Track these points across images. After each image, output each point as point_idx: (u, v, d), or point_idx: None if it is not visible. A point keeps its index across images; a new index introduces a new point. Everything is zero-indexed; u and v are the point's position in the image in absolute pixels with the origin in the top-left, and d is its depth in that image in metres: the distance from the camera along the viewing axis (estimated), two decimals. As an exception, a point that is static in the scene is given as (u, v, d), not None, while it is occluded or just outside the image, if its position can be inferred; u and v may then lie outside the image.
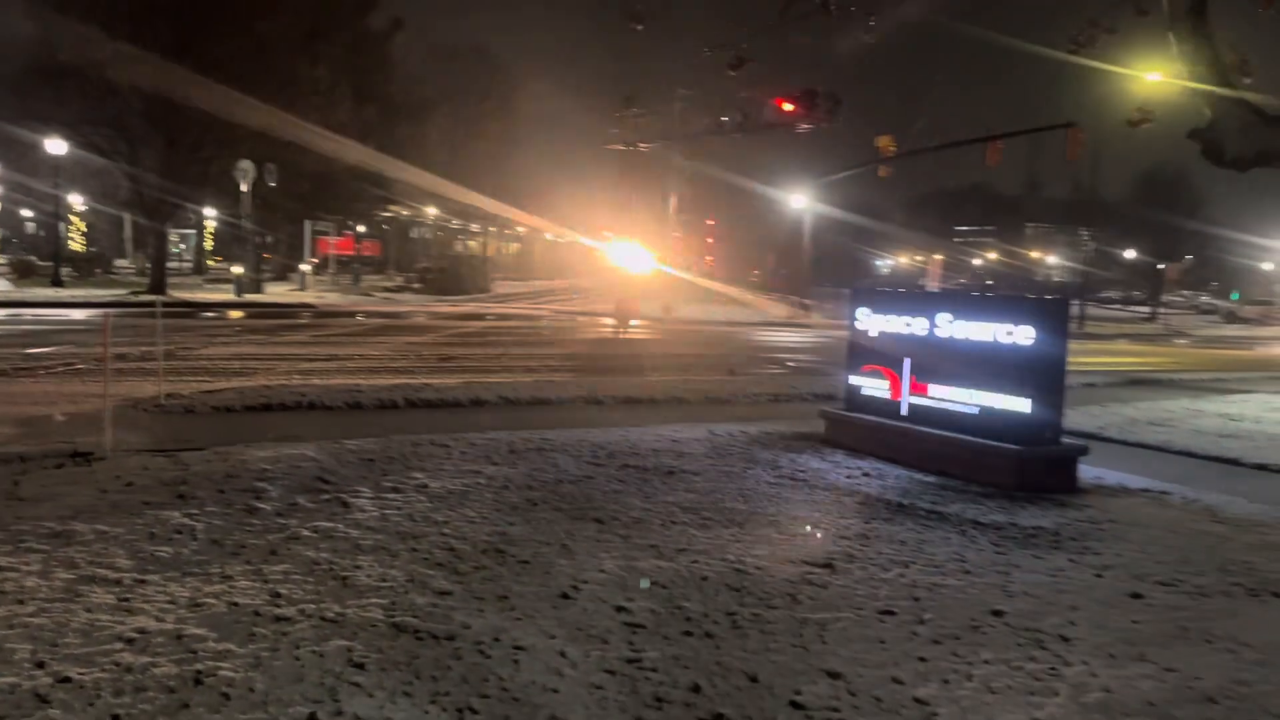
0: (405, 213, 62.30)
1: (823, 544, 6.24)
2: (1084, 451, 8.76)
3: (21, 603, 4.59)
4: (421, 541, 5.86)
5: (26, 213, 71.97)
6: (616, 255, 41.52)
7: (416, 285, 47.93)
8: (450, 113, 58.90)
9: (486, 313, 33.62)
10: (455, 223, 70.89)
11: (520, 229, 76.60)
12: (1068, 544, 6.52)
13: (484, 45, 68.01)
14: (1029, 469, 8.23)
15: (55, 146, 34.07)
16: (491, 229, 74.18)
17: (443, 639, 4.42)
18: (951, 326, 8.93)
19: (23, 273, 40.48)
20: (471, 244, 76.33)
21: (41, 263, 43.54)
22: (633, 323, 28.06)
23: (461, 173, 52.20)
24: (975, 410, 8.74)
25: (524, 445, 9.03)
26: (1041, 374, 8.32)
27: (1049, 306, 8.93)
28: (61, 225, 48.49)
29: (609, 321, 30.55)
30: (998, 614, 5.06)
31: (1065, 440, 8.87)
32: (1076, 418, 11.86)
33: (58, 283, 35.77)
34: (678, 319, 35.48)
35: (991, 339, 8.56)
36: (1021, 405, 8.36)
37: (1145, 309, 64.12)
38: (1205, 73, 7.73)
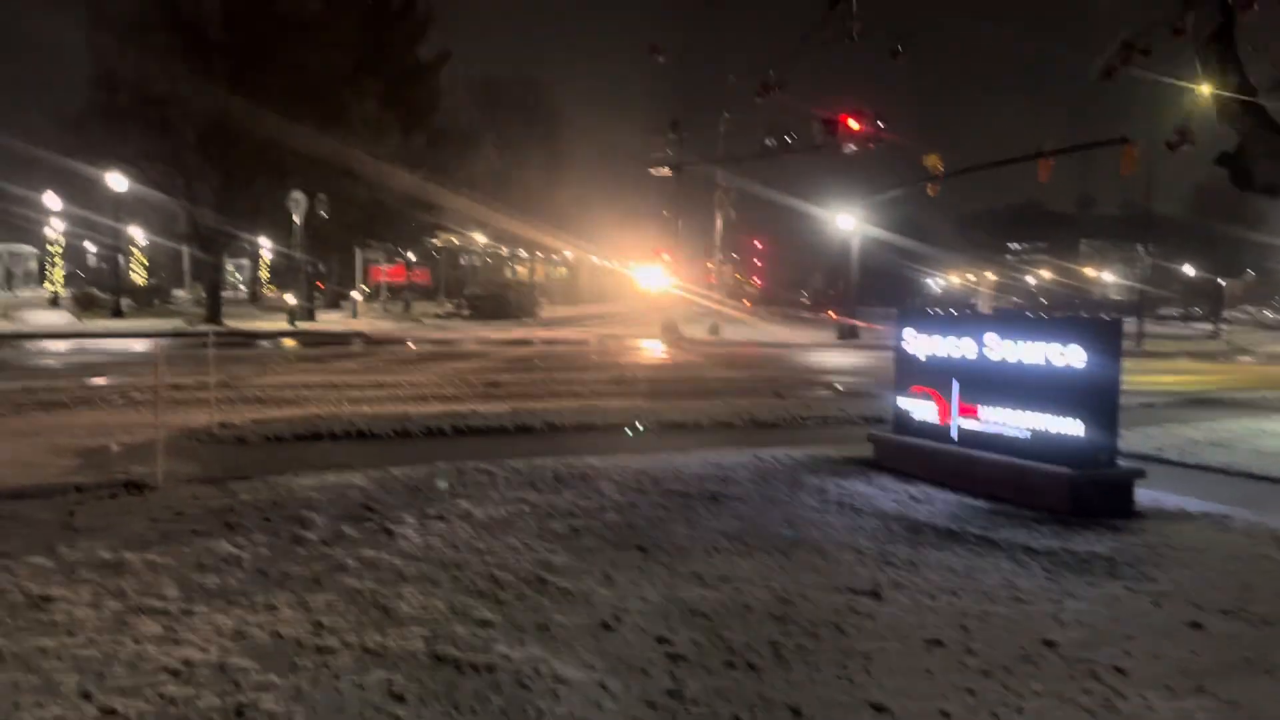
0: (454, 240, 63.06)
1: (869, 571, 6.13)
2: (1140, 474, 8.53)
3: (71, 634, 4.67)
4: (464, 570, 5.87)
5: (90, 247, 74.08)
6: (662, 279, 41.59)
7: (465, 312, 48.40)
8: (497, 141, 59.64)
9: (534, 338, 33.81)
10: (503, 249, 71.58)
11: (567, 254, 77.15)
12: (1123, 571, 6.34)
13: (530, 74, 68.75)
14: (1083, 493, 8.04)
15: (116, 182, 35.05)
16: (539, 254, 74.78)
17: (483, 670, 4.40)
18: (1000, 347, 8.78)
19: (85, 305, 41.61)
20: (519, 270, 76.98)
21: (103, 294, 44.71)
22: (684, 345, 28.06)
23: (509, 199, 52.77)
24: (1026, 433, 8.57)
25: (568, 472, 9.03)
26: (1094, 395, 8.13)
27: (1100, 326, 8.74)
28: (122, 258, 49.79)
29: (657, 345, 30.57)
30: (1050, 644, 4.93)
31: (1121, 463, 8.65)
32: (1134, 439, 11.58)
33: (118, 314, 36.69)
34: (724, 340, 35.39)
35: (1042, 360, 8.40)
36: (1074, 427, 8.17)
37: (1207, 325, 62.63)
38: (1232, 98, 7.53)
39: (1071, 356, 8.16)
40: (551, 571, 5.90)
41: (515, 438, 11.60)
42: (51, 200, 45.19)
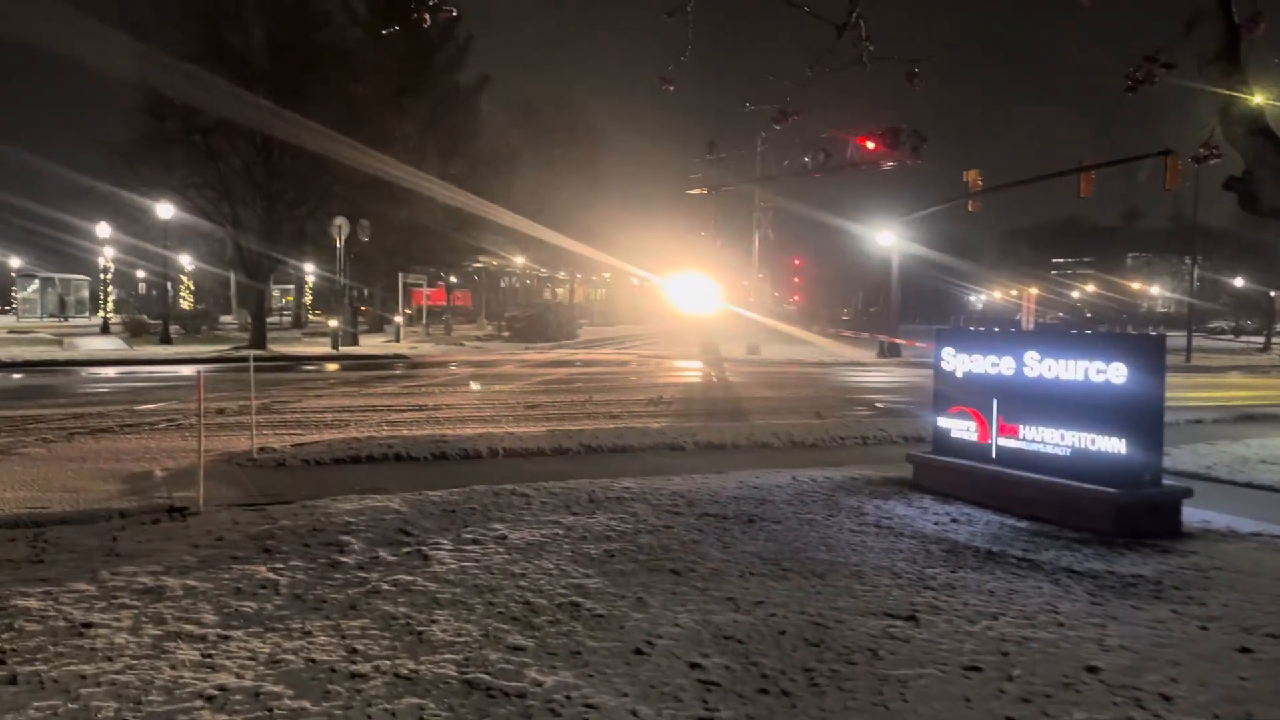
0: (495, 262, 63.54)
1: (907, 595, 6.04)
2: (1188, 494, 8.34)
3: (110, 660, 4.73)
4: (498, 595, 5.87)
5: (139, 274, 75.72)
6: (701, 298, 41.56)
7: (505, 333, 48.67)
8: (536, 163, 60.08)
9: (573, 359, 33.90)
10: (543, 271, 72.02)
11: (606, 275, 77.40)
12: (1170, 594, 6.19)
13: (568, 96, 69.21)
14: (1127, 513, 7.88)
15: (164, 210, 35.75)
16: (578, 276, 75.11)
17: (514, 696, 4.39)
18: (1040, 366, 8.66)
19: (134, 331, 42.42)
20: (559, 291, 77.37)
21: (152, 321, 45.57)
22: (725, 365, 27.98)
23: (548, 221, 53.07)
24: (1067, 452, 8.43)
25: (603, 494, 9.02)
26: (1138, 413, 7.98)
27: (1143, 343, 8.60)
28: (170, 285, 50.78)
29: (696, 365, 30.52)
30: (1093, 670, 4.82)
31: (1167, 482, 8.49)
32: (1182, 457, 11.35)
33: (166, 340, 37.35)
34: (763, 360, 35.23)
35: (1083, 378, 8.26)
36: (1117, 446, 8.03)
37: (1259, 339, 61.20)
38: (1236, 119, 7.37)
39: (1114, 374, 8.03)
40: (585, 596, 5.88)
41: (551, 459, 11.63)
42: (103, 229, 46.22)
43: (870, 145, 31.04)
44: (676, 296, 43.99)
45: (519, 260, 63.62)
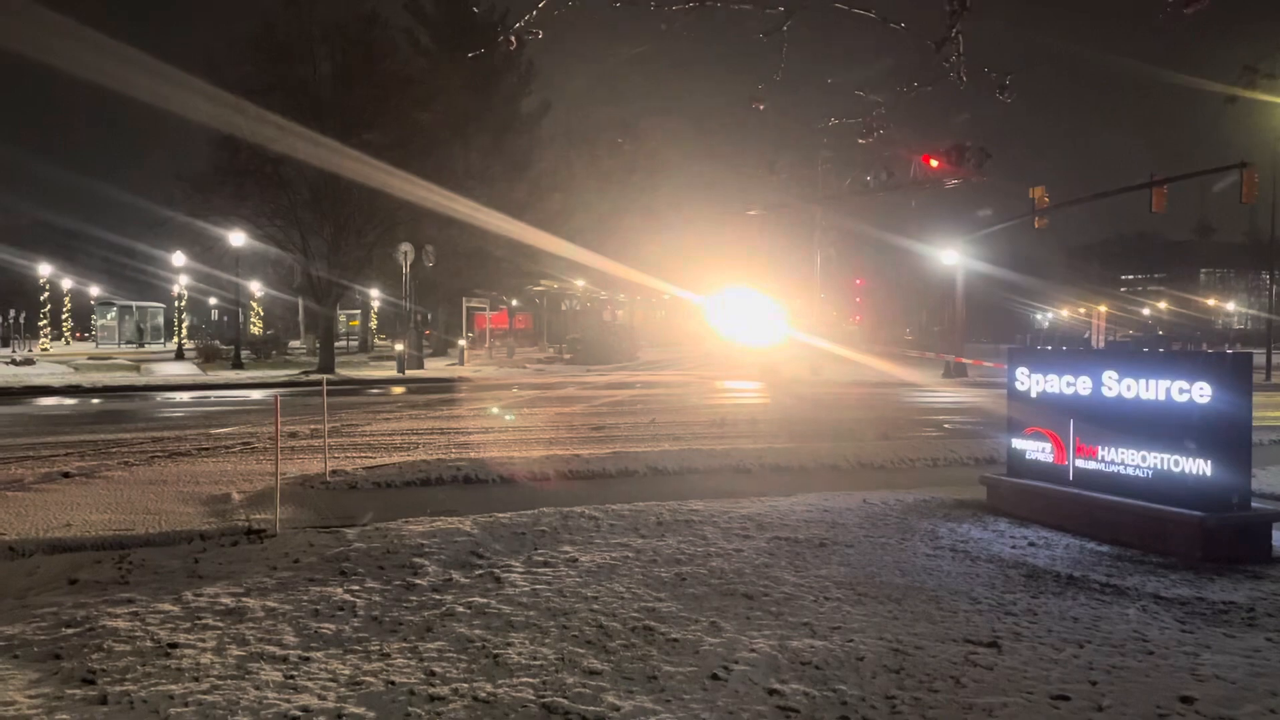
0: (555, 286, 64.04)
1: (987, 621, 5.91)
2: (1278, 517, 8.06)
3: (196, 680, 4.82)
4: (571, 618, 5.87)
5: (211, 300, 77.82)
6: (763, 319, 41.38)
7: (567, 356, 48.95)
8: (596, 188, 60.55)
9: (634, 380, 33.95)
10: (603, 293, 72.36)
11: (665, 296, 77.45)
12: (1264, 621, 5.97)
13: (629, 121, 69.70)
14: (1215, 537, 7.63)
15: (236, 238, 36.74)
16: (638, 298, 75.33)
17: (592, 721, 4.38)
18: (1119, 385, 8.45)
19: (208, 356, 43.56)
20: (619, 313, 77.64)
21: (224, 346, 46.75)
22: (785, 385, 27.77)
23: (608, 244, 53.39)
24: (1149, 474, 8.20)
25: (671, 517, 8.99)
26: (1223, 433, 7.74)
27: (1227, 361, 8.34)
28: (241, 311, 52.06)
29: (757, 386, 30.37)
30: (1187, 700, 4.66)
31: (1256, 505, 8.20)
32: (1268, 479, 10.96)
33: (238, 365, 38.28)
34: (827, 380, 34.93)
35: (1164, 397, 8.04)
36: (1202, 468, 7.79)
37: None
38: None
39: (1197, 393, 7.80)
40: (658, 619, 5.85)
41: (617, 481, 11.63)
42: (178, 258, 47.62)
43: (934, 163, 30.71)
44: (732, 319, 43.88)
45: (579, 283, 64.06)
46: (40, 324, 62.73)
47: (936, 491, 10.70)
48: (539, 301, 68.28)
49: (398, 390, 29.00)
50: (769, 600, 6.31)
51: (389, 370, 36.97)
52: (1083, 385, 8.81)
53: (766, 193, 38.58)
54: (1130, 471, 8.38)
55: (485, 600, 6.22)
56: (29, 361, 40.52)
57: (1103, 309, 73.81)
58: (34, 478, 11.21)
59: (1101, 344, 60.96)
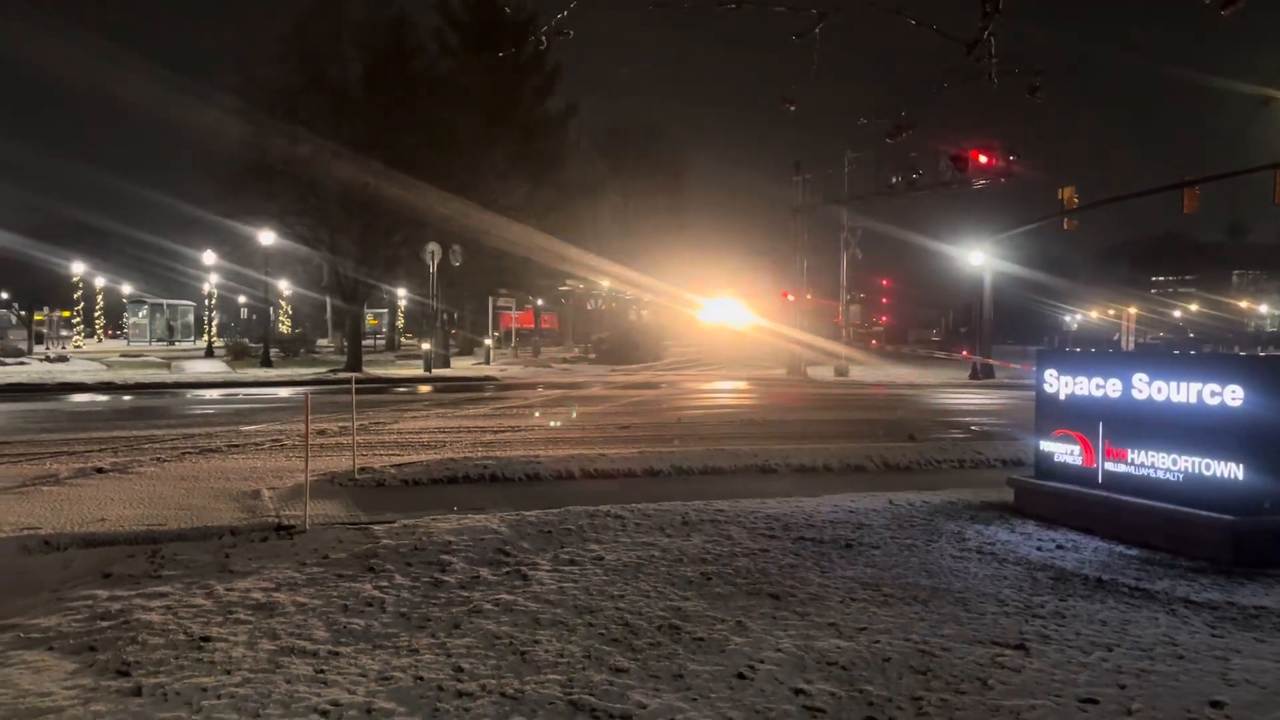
0: (581, 285, 64.18)
1: (1014, 623, 5.89)
2: (1311, 522, 7.96)
3: (228, 673, 4.89)
4: (598, 616, 5.90)
5: (241, 299, 78.52)
6: (787, 320, 41.29)
7: (592, 355, 49.07)
8: (621, 189, 60.64)
9: (659, 380, 33.96)
10: (628, 293, 72.44)
11: (691, 296, 77.36)
12: (1296, 627, 5.91)
13: (654, 122, 69.85)
14: (1247, 541, 7.55)
15: (265, 237, 37.08)
16: (663, 297, 75.34)
17: (619, 718, 4.40)
18: (1149, 388, 8.38)
19: (237, 354, 43.99)
20: (644, 313, 77.66)
21: (253, 344, 47.18)
22: (811, 386, 27.69)
23: (633, 245, 53.53)
24: (1179, 477, 8.13)
25: (697, 516, 9.01)
26: (1256, 436, 7.66)
27: (1261, 364, 8.28)
28: (270, 309, 52.52)
29: (783, 387, 30.30)
30: (1217, 705, 4.63)
31: (1288, 509, 8.10)
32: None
33: (267, 363, 38.62)
34: (852, 381, 34.81)
35: (1195, 400, 7.97)
36: (1233, 471, 7.71)
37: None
38: None
39: (1229, 396, 7.73)
40: (684, 618, 5.87)
41: (643, 480, 11.67)
42: (208, 257, 48.12)
43: (962, 163, 30.54)
44: (759, 317, 43.79)
45: (605, 283, 64.18)
46: (74, 322, 63.53)
47: (963, 493, 10.65)
48: (564, 301, 68.40)
49: (424, 389, 29.17)
50: (795, 600, 6.32)
51: (415, 369, 37.18)
52: (1112, 387, 8.74)
53: (793, 194, 38.47)
54: (1160, 474, 8.31)
55: (512, 597, 6.26)
56: (63, 359, 41.09)
57: (1132, 311, 73.04)
58: (69, 473, 11.38)
59: (1131, 346, 60.32)
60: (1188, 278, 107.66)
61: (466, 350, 51.33)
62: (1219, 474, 7.82)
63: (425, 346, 38.54)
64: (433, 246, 37.09)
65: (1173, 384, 8.19)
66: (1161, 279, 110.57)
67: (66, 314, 63.23)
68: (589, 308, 73.33)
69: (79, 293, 62.85)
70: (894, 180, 32.52)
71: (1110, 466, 8.80)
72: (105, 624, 5.68)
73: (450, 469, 11.57)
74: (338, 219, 36.35)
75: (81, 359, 41.94)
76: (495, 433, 16.43)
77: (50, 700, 4.53)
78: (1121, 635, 5.68)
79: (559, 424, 18.15)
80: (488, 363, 43.14)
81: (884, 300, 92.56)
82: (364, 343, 42.98)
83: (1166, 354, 12.47)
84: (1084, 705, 4.61)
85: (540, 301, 66.32)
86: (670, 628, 5.70)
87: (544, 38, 7.75)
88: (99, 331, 76.30)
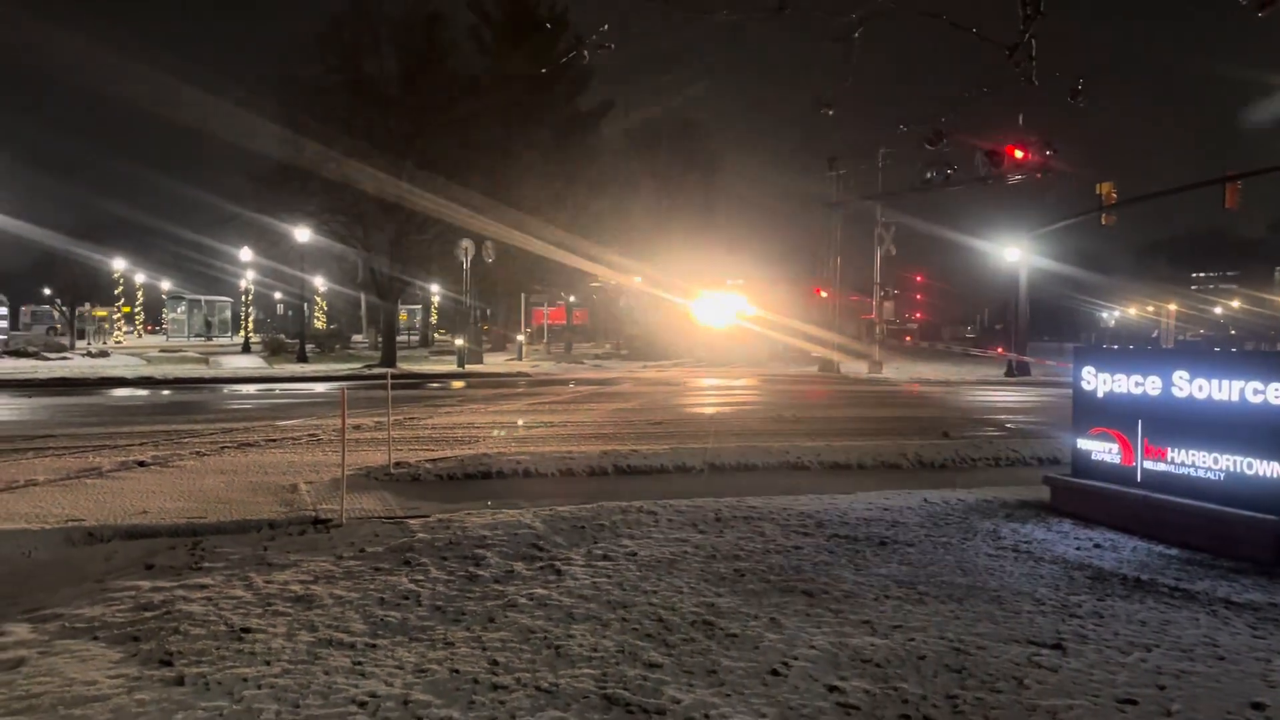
0: (612, 282, 64.24)
1: (1051, 622, 5.84)
2: (1357, 523, 7.82)
3: (268, 664, 4.96)
4: (631, 611, 5.92)
5: (277, 295, 79.40)
6: (822, 315, 41.12)
7: (624, 351, 49.18)
8: (654, 186, 60.55)
9: (691, 376, 33.96)
10: (660, 290, 72.42)
11: (721, 293, 77.17)
12: (1341, 629, 5.81)
13: (687, 118, 69.61)
14: (1290, 542, 7.43)
15: (301, 234, 37.48)
16: (695, 294, 75.17)
17: (653, 713, 4.42)
18: (1190, 385, 8.27)
19: (273, 350, 44.50)
20: (676, 309, 77.57)
21: (289, 340, 47.71)
22: (844, 383, 27.56)
23: (665, 241, 53.42)
24: (1221, 476, 8.01)
25: (730, 513, 9.00)
26: (1300, 436, 7.53)
27: (1305, 361, 8.11)
28: (306, 305, 53.07)
29: (815, 383, 30.17)
30: (1258, 707, 4.56)
31: (1333, 510, 7.96)
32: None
33: (303, 358, 39.05)
34: (886, 378, 34.61)
35: (1237, 398, 7.85)
36: (1276, 470, 7.59)
37: None
38: None
39: (1273, 394, 7.60)
40: (717, 614, 5.88)
41: (675, 476, 11.69)
42: (245, 254, 48.71)
43: (998, 158, 30.23)
44: (792, 313, 43.58)
45: (637, 279, 64.20)
46: (115, 317, 64.53)
47: (999, 491, 10.57)
48: (596, 297, 68.52)
49: (458, 384, 29.36)
50: (829, 598, 6.30)
51: (449, 365, 37.43)
52: (1152, 385, 8.63)
53: (828, 190, 38.26)
54: (1201, 474, 8.20)
55: (546, 592, 6.30)
56: (104, 354, 41.78)
57: (1172, 307, 72.02)
58: (111, 466, 11.58)
59: (1171, 343, 59.46)
60: (1229, 274, 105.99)
61: (499, 346, 51.60)
62: (1262, 473, 7.70)
63: (459, 342, 38.79)
64: (466, 243, 37.33)
65: (1214, 382, 8.07)
66: (1202, 275, 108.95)
67: (102, 313, 64.22)
68: (621, 304, 73.39)
69: (119, 289, 63.86)
70: (929, 176, 32.23)
71: (1149, 465, 8.69)
72: (148, 614, 5.78)
73: (484, 464, 11.65)
74: (372, 216, 36.67)
75: (122, 354, 42.62)
76: (528, 428, 16.51)
77: (95, 689, 4.62)
78: (1161, 636, 5.61)
79: (591, 420, 18.20)
80: (520, 358, 43.36)
81: (918, 297, 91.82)
82: (398, 338, 43.31)
83: (1208, 351, 12.26)
84: (1122, 706, 4.56)
85: (572, 298, 66.50)
86: (704, 624, 5.70)
87: (584, 52, 7.77)
88: (139, 327, 77.47)
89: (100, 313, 63.48)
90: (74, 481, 10.50)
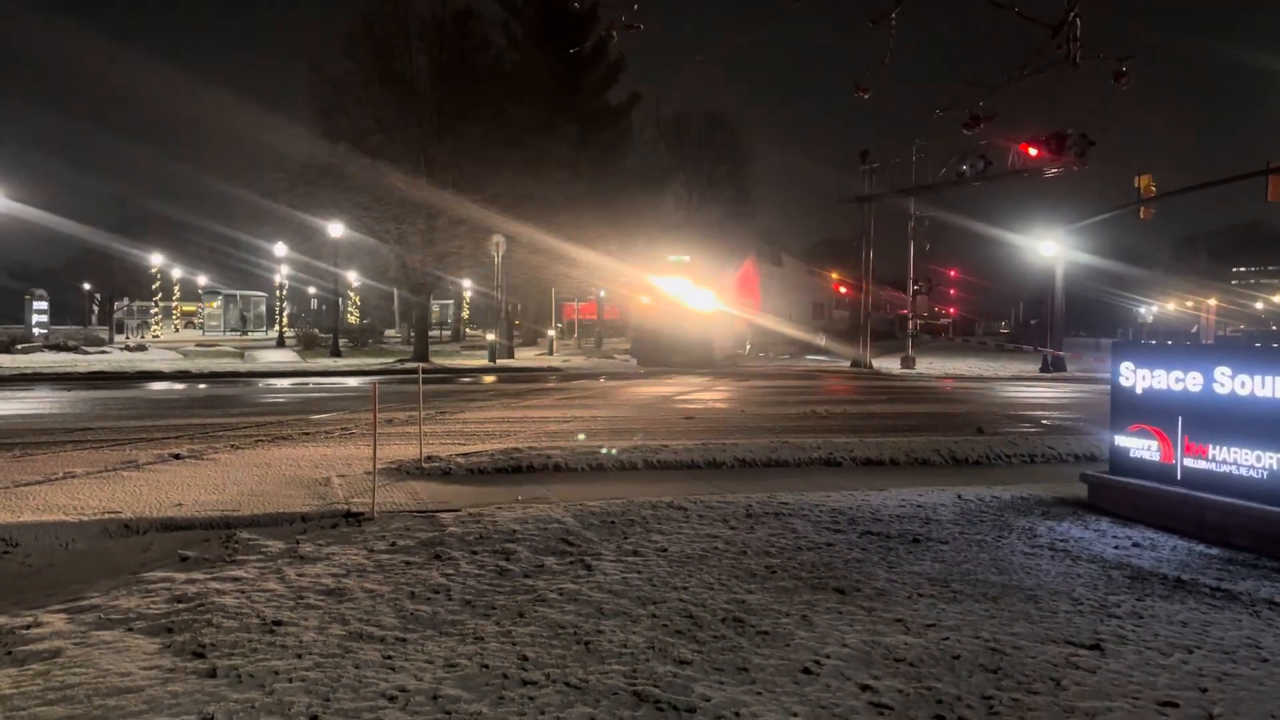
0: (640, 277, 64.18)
1: (1089, 623, 5.74)
2: (1405, 523, 7.63)
3: (300, 657, 4.98)
4: (661, 607, 5.89)
5: (311, 290, 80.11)
6: (850, 310, 40.81)
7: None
8: (685, 179, 60.46)
9: (721, 371, 33.84)
10: (691, 284, 72.24)
11: (749, 288, 76.89)
12: (1390, 632, 5.66)
13: (718, 111, 69.51)
14: (1336, 542, 7.26)
15: (334, 229, 37.74)
16: (724, 289, 74.97)
17: (683, 711, 4.38)
18: (1232, 382, 8.10)
19: (307, 344, 44.93)
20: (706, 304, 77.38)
21: (322, 334, 48.12)
22: (876, 378, 27.34)
23: (695, 233, 53.24)
24: (1263, 474, 7.84)
25: (761, 509, 8.95)
26: (1346, 434, 7.36)
27: (1352, 357, 7.92)
28: (340, 300, 53.46)
29: (846, 378, 29.98)
30: (1304, 712, 4.45)
31: (1380, 509, 7.77)
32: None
33: (336, 352, 39.36)
34: (919, 374, 34.31)
35: (1282, 395, 7.68)
36: (1323, 469, 7.42)
37: None
38: None
39: (1318, 391, 7.42)
40: (748, 611, 5.83)
41: (705, 472, 11.63)
42: (280, 249, 49.16)
43: (1033, 151, 29.83)
44: (825, 309, 43.37)
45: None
46: (152, 311, 65.41)
47: (1034, 488, 10.42)
48: (626, 292, 68.49)
49: (489, 379, 29.45)
50: (861, 595, 6.24)
51: (480, 359, 37.57)
52: (1192, 381, 8.47)
53: (861, 184, 37.96)
54: (1243, 472, 8.03)
55: (576, 587, 6.28)
56: (141, 348, 42.35)
57: (1212, 302, 70.89)
58: (147, 458, 11.71)
59: (1210, 339, 58.52)
60: (1270, 268, 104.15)
61: (530, 341, 51.76)
62: (1306, 472, 7.53)
63: (490, 337, 38.92)
64: (498, 238, 37.40)
65: (1257, 378, 7.90)
66: (1242, 269, 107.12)
67: (155, 308, 65.04)
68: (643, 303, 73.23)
69: (157, 284, 64.70)
70: (964, 169, 31.85)
71: (1190, 463, 8.53)
72: (182, 606, 5.83)
73: (515, 458, 11.66)
74: (405, 211, 36.84)
75: (159, 348, 43.19)
76: (559, 423, 16.51)
77: (130, 680, 4.66)
78: (1202, 637, 5.50)
79: (621, 415, 18.17)
80: (551, 353, 43.42)
81: (951, 292, 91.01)
82: (430, 333, 43.54)
83: (1250, 347, 11.98)
84: (1163, 709, 4.47)
85: (603, 293, 66.52)
86: (734, 620, 5.66)
87: (613, 32, 7.70)
88: (175, 321, 78.48)
89: (153, 307, 64.25)
90: (111, 474, 10.62)
